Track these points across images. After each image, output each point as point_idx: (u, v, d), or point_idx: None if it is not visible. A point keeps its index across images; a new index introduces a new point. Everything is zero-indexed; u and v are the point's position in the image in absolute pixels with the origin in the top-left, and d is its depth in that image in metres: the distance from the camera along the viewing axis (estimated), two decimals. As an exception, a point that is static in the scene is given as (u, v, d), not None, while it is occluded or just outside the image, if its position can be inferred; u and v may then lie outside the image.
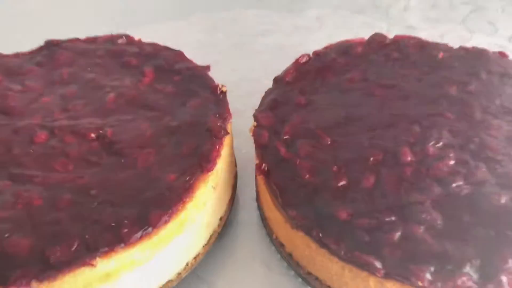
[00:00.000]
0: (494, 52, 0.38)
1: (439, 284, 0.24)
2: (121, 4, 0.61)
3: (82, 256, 0.25)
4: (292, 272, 0.32)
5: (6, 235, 0.26)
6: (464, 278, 0.24)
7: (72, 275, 0.24)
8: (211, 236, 0.32)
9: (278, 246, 0.31)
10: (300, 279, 0.31)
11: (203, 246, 0.31)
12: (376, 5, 0.60)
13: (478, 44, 0.42)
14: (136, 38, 0.40)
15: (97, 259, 0.25)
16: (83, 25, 0.53)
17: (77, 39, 0.41)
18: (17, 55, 0.39)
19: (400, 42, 0.39)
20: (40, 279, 0.24)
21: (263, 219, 0.33)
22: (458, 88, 0.35)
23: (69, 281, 0.25)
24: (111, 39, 0.40)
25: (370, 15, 0.58)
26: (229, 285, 0.32)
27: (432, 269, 0.24)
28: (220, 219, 0.33)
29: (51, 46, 0.40)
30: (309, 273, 0.29)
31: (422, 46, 0.38)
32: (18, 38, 0.45)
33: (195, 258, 0.31)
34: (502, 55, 0.38)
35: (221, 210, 0.32)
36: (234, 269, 0.32)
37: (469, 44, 0.40)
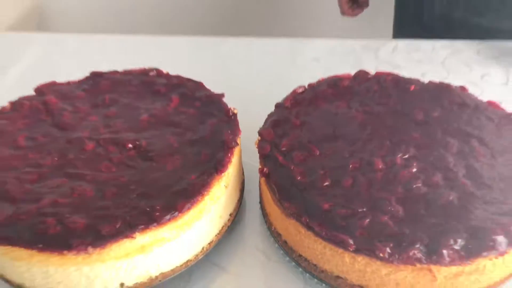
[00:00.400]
0: (456, 86, 0.46)
1: (396, 256, 0.31)
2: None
3: (125, 231, 0.32)
4: (287, 258, 0.39)
5: (67, 215, 0.33)
6: (415, 251, 0.31)
7: (117, 244, 0.32)
8: (222, 227, 0.39)
9: (276, 236, 0.39)
10: (293, 264, 0.38)
11: (216, 235, 0.39)
12: (367, 48, 0.69)
13: (454, 81, 0.50)
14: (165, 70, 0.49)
15: (136, 233, 0.32)
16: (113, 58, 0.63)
17: (116, 71, 0.50)
18: (68, 83, 0.48)
19: (380, 77, 0.47)
20: (94, 246, 0.32)
21: (265, 215, 0.41)
22: (424, 114, 0.43)
23: (115, 249, 0.32)
24: (144, 72, 0.49)
25: (361, 55, 0.67)
26: (236, 268, 0.39)
27: (391, 245, 0.31)
28: (230, 215, 0.40)
29: (95, 76, 0.49)
30: (300, 255, 0.37)
31: (398, 80, 0.47)
32: (69, 71, 0.54)
33: (209, 244, 0.38)
34: (463, 89, 0.46)
35: (231, 207, 0.40)
36: (240, 257, 0.40)
37: (446, 81, 0.48)
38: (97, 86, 0.48)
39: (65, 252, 0.31)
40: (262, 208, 0.42)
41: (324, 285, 0.37)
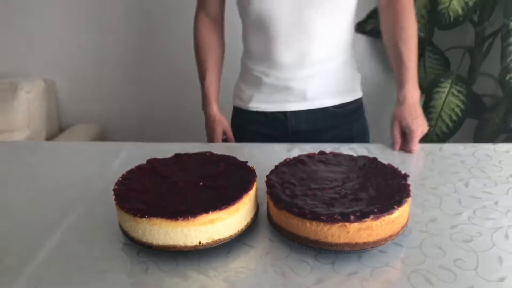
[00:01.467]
0: (383, 164, 0.85)
1: (329, 220, 0.68)
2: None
3: (204, 211, 0.70)
4: (281, 238, 0.75)
5: (174, 204, 0.71)
6: (338, 216, 0.68)
7: (200, 217, 0.69)
8: (248, 222, 0.76)
9: (274, 224, 0.75)
10: (285, 238, 0.74)
11: (245, 225, 0.75)
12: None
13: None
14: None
15: (210, 212, 0.70)
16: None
17: (187, 154, 0.91)
18: (164, 159, 0.88)
19: (338, 156, 0.87)
20: (192, 216, 0.69)
21: (269, 217, 0.78)
22: (354, 174, 0.82)
23: (199, 219, 0.69)
24: (203, 155, 0.90)
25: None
26: (255, 248, 0.74)
27: (326, 215, 0.68)
28: (251, 218, 0.77)
29: (177, 155, 0.90)
30: (287, 231, 0.73)
31: (351, 159, 0.87)
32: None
33: (242, 229, 0.75)
34: (389, 165, 0.85)
35: (252, 212, 0.77)
36: (257, 241, 0.76)
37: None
38: (179, 162, 0.88)
39: (180, 219, 0.68)
40: (268, 213, 0.79)
41: (299, 245, 0.72)
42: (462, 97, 1.40)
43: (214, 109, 1.19)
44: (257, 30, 1.08)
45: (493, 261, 0.69)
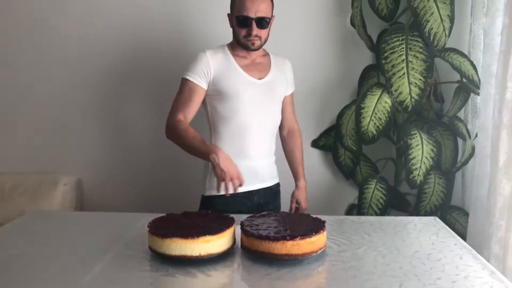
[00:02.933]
0: (313, 217, 1.38)
1: (280, 239, 1.18)
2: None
3: (203, 235, 1.20)
4: (248, 254, 1.24)
5: (183, 229, 1.22)
6: (281, 236, 1.18)
7: (200, 238, 1.19)
8: (230, 245, 1.25)
9: (244, 247, 1.25)
10: (251, 255, 1.23)
11: (227, 247, 1.25)
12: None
13: None
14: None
15: (207, 236, 1.20)
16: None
17: (193, 212, 1.42)
18: (179, 214, 1.39)
19: (283, 212, 1.40)
20: (196, 237, 1.19)
21: (241, 243, 1.28)
22: (292, 220, 1.34)
23: (200, 240, 1.19)
24: (205, 212, 1.42)
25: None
26: (233, 259, 1.23)
27: (273, 235, 1.19)
28: (231, 244, 1.27)
29: (186, 213, 1.41)
30: (250, 249, 1.23)
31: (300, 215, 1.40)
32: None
33: (226, 248, 1.24)
34: (317, 218, 1.37)
35: (232, 240, 1.27)
36: (234, 256, 1.24)
37: None
38: (188, 214, 1.39)
39: (189, 238, 1.18)
40: (241, 240, 1.28)
41: (258, 256, 1.20)
42: (384, 192, 1.97)
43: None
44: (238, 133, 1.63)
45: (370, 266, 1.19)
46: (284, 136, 1.85)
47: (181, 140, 1.52)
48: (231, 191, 1.43)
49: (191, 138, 1.49)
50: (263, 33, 1.56)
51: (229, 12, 1.63)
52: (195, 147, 1.49)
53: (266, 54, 1.70)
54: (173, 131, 1.55)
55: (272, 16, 1.59)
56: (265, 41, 1.61)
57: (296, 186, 1.84)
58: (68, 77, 2.34)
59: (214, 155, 1.43)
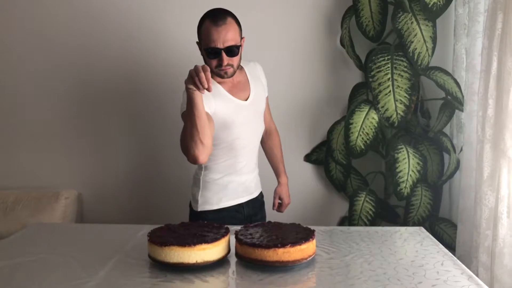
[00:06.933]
0: (303, 226, 1.46)
1: (271, 247, 1.26)
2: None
3: (199, 243, 1.28)
4: (242, 262, 1.31)
5: (183, 238, 1.29)
6: (273, 244, 1.27)
7: (197, 246, 1.27)
8: (225, 253, 1.33)
9: (238, 255, 1.33)
10: (245, 262, 1.31)
11: (223, 255, 1.32)
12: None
13: None
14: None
15: (203, 244, 1.28)
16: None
17: (190, 222, 1.50)
18: (177, 224, 1.47)
19: (275, 223, 1.48)
20: (193, 245, 1.27)
21: (236, 251, 1.35)
22: (288, 231, 1.42)
23: (196, 248, 1.27)
24: (201, 223, 1.49)
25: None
26: (228, 265, 1.31)
27: (265, 243, 1.27)
28: (226, 252, 1.34)
29: (183, 223, 1.49)
30: (244, 256, 1.30)
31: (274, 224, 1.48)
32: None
33: (221, 256, 1.31)
34: (307, 227, 1.46)
35: (227, 248, 1.34)
36: (229, 263, 1.32)
37: None
38: (186, 224, 1.47)
39: (186, 246, 1.26)
40: (235, 248, 1.36)
41: (251, 263, 1.28)
42: (373, 204, 2.06)
43: None
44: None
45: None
46: (263, 137, 1.85)
47: (185, 129, 1.48)
48: (204, 84, 1.32)
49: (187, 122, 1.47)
50: (234, 60, 1.53)
51: (197, 40, 1.57)
52: (187, 114, 1.44)
53: (241, 69, 1.68)
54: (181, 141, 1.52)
55: (242, 38, 1.56)
56: (238, 66, 1.58)
57: (278, 182, 1.92)
58: (70, 93, 2.45)
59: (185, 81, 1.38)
